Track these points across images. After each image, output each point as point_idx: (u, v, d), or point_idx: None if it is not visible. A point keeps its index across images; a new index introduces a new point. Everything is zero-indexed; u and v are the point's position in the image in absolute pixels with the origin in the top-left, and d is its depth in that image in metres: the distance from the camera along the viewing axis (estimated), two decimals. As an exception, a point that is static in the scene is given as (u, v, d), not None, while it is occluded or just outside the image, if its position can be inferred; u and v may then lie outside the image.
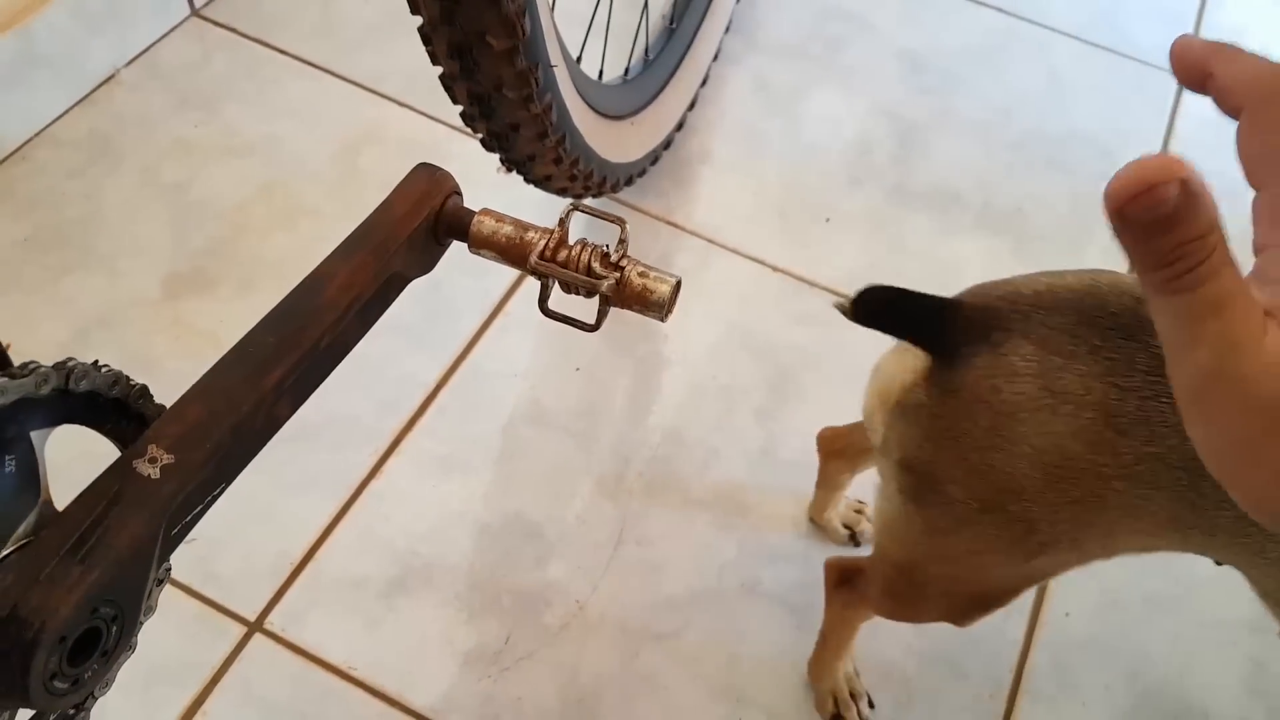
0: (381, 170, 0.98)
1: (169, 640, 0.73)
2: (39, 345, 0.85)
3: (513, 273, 0.93)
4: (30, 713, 0.36)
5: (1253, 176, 0.29)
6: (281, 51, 1.06)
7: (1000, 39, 1.17)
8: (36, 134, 0.98)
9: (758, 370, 0.91)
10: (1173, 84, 1.16)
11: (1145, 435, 0.48)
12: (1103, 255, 1.01)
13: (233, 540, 0.77)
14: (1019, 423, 0.50)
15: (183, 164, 0.97)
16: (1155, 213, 0.22)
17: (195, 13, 1.08)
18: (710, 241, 0.98)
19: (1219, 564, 0.55)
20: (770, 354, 0.92)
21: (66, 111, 0.99)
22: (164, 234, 0.93)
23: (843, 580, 0.67)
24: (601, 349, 0.91)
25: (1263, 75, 0.29)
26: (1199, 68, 0.29)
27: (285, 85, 1.04)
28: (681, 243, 0.98)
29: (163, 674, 0.72)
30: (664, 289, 0.43)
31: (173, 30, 1.07)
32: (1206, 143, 1.11)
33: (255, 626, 0.75)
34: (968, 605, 0.60)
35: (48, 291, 0.89)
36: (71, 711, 0.39)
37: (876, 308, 0.57)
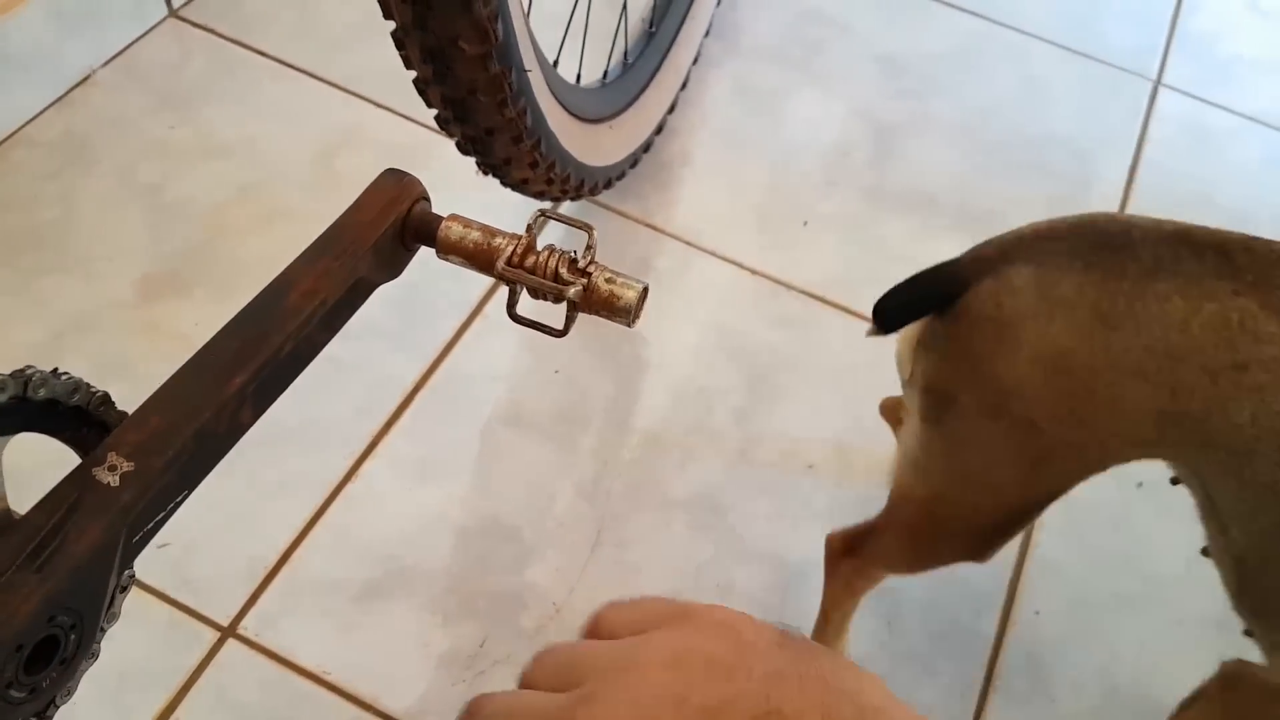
0: (360, 173, 0.96)
1: (141, 646, 0.72)
2: (12, 348, 0.85)
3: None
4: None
5: None
6: (260, 53, 1.05)
7: (977, 43, 1.18)
8: (10, 135, 0.97)
9: (736, 372, 0.91)
10: (1147, 88, 1.17)
11: (1133, 328, 0.52)
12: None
13: (206, 544, 0.77)
14: (1019, 329, 0.55)
15: (159, 166, 0.97)
16: None
17: (173, 13, 1.08)
18: (689, 244, 0.98)
19: (1175, 482, 0.60)
20: (748, 356, 0.92)
21: (41, 112, 0.98)
22: (140, 236, 0.92)
23: (848, 549, 0.69)
24: (580, 352, 0.91)
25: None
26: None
27: (263, 87, 1.03)
28: (660, 245, 0.98)
29: (135, 680, 0.71)
30: (630, 295, 0.43)
31: (150, 30, 1.06)
32: (1180, 146, 1.12)
33: (229, 631, 0.74)
34: (988, 533, 0.63)
35: (22, 293, 0.89)
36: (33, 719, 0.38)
37: (898, 312, 0.62)
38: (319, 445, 0.82)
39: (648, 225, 0.99)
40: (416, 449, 0.84)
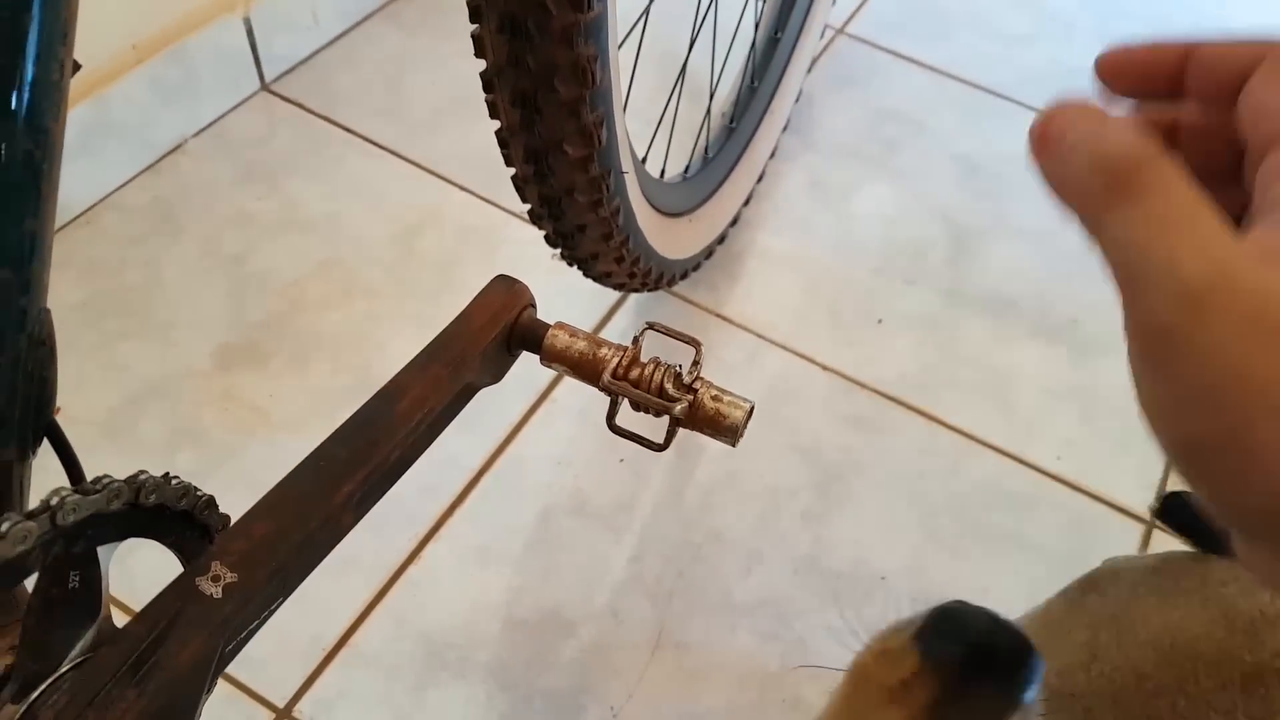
0: (439, 252, 0.99)
1: (196, 725, 0.71)
2: (89, 409, 0.86)
3: (561, 360, 0.93)
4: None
5: (1263, 132, 0.24)
6: (346, 129, 1.08)
7: (1056, 146, 1.17)
8: (103, 199, 1.00)
9: (804, 471, 0.89)
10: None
11: None
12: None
13: (268, 621, 0.76)
14: None
15: (243, 236, 0.98)
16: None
17: (265, 87, 1.11)
18: (759, 336, 0.98)
19: None
20: (817, 455, 0.90)
21: (132, 179, 1.01)
22: (220, 305, 0.93)
23: None
24: (647, 442, 0.90)
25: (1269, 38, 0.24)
26: (1158, 58, 0.25)
27: (348, 163, 1.05)
28: (730, 336, 0.97)
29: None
30: (737, 415, 0.43)
31: (242, 103, 1.09)
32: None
33: (284, 714, 0.73)
34: None
35: (102, 356, 0.90)
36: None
37: (1180, 514, 0.56)
38: (383, 525, 0.82)
39: (718, 315, 0.99)
40: (479, 534, 0.83)
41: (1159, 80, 0.26)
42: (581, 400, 0.91)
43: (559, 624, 0.79)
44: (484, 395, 0.95)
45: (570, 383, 0.92)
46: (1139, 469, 0.92)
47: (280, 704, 0.73)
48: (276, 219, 1.00)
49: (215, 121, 1.07)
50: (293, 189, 1.03)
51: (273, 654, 0.75)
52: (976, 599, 0.89)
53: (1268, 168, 0.23)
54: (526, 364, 0.95)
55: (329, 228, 1.00)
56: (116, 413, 0.86)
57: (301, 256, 0.97)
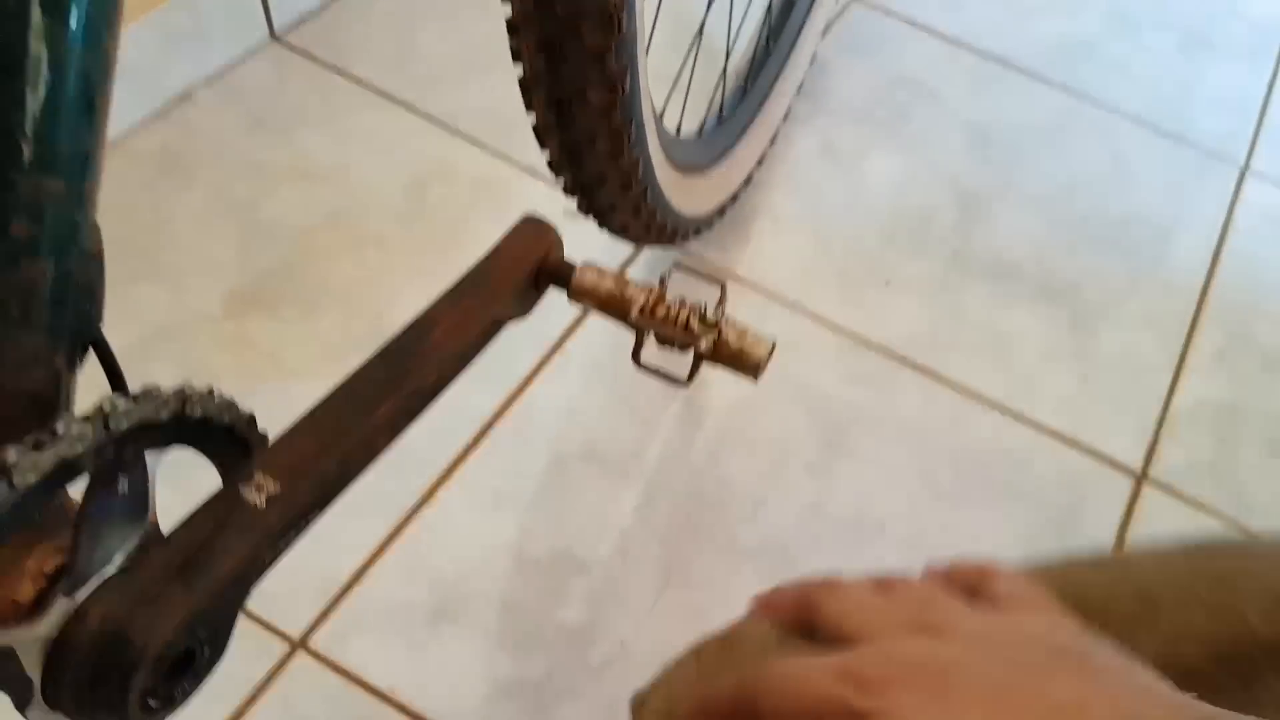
0: (450, 206, 1.00)
1: (212, 657, 0.73)
2: (104, 352, 0.87)
3: (572, 312, 0.94)
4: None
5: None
6: (357, 81, 1.08)
7: (1064, 118, 1.18)
8: (111, 145, 1.00)
9: (810, 425, 0.91)
10: (1234, 175, 1.16)
11: None
12: (1156, 333, 1.01)
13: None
14: None
15: (252, 185, 0.99)
16: None
17: (275, 37, 1.11)
18: (769, 295, 0.99)
19: None
20: (823, 409, 0.92)
21: (140, 124, 1.01)
22: (230, 252, 0.94)
23: None
24: (657, 393, 0.91)
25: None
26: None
27: (359, 115, 1.06)
28: (741, 295, 0.98)
29: (204, 687, 0.72)
30: (760, 351, 0.44)
31: (251, 53, 1.09)
32: (1265, 235, 1.11)
33: (299, 645, 0.75)
34: None
35: (112, 300, 0.90)
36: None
37: None
38: (397, 468, 0.82)
39: (729, 273, 1.00)
40: (492, 479, 0.84)
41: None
42: (593, 352, 0.92)
43: (570, 563, 0.81)
44: (497, 345, 0.97)
45: (582, 335, 0.94)
46: (1133, 427, 0.94)
47: (296, 636, 0.75)
48: (286, 169, 1.01)
49: (224, 71, 1.07)
50: (302, 140, 1.03)
51: (289, 589, 0.77)
52: (970, 547, 0.92)
53: None
54: (538, 316, 0.96)
55: (339, 179, 1.00)
56: (127, 356, 0.86)
57: (312, 206, 0.98)
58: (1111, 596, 0.37)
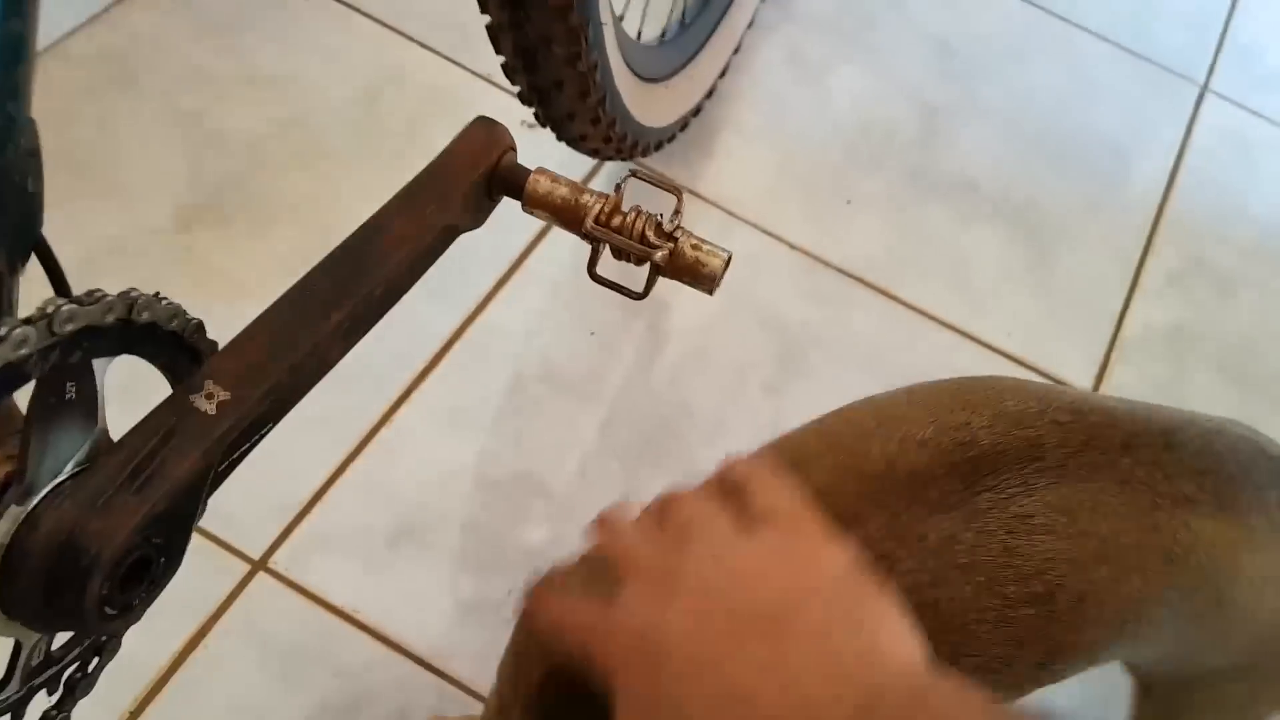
0: (402, 113, 0.97)
1: (172, 572, 0.73)
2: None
3: (531, 230, 0.93)
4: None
5: None
6: (307, -15, 1.04)
7: (1028, 31, 1.17)
8: (47, 48, 0.95)
9: (767, 344, 0.91)
10: (1193, 92, 1.16)
11: None
12: (1111, 254, 1.02)
13: (241, 478, 0.77)
14: None
15: (199, 93, 0.95)
16: None
17: (219, -63, 1.06)
18: (730, 213, 0.98)
19: None
20: (781, 330, 0.92)
21: (81, 26, 0.96)
22: (179, 163, 0.91)
23: None
24: (615, 313, 0.91)
25: None
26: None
27: (308, 19, 1.02)
28: (701, 212, 0.98)
29: (165, 607, 0.71)
30: (716, 263, 0.44)
31: (195, -47, 1.04)
32: (1223, 156, 1.12)
33: (259, 565, 0.75)
34: None
35: (56, 215, 0.87)
36: (103, 640, 0.39)
37: None
38: (355, 389, 0.82)
39: (689, 191, 0.99)
40: (450, 399, 0.84)
41: None
42: (552, 271, 0.92)
43: (529, 484, 0.81)
44: (455, 263, 0.95)
45: (540, 254, 0.93)
46: (1086, 349, 0.96)
47: (256, 556, 0.75)
48: (234, 76, 0.97)
49: (168, -29, 1.02)
50: (249, 45, 0.99)
51: (248, 510, 0.77)
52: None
53: None
54: (497, 234, 0.95)
55: (289, 86, 0.97)
56: (73, 273, 0.84)
57: (261, 115, 0.95)
58: (854, 417, 0.44)
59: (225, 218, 0.89)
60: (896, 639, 0.31)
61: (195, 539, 0.75)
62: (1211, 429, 0.44)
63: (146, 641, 0.71)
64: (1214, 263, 1.04)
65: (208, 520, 0.75)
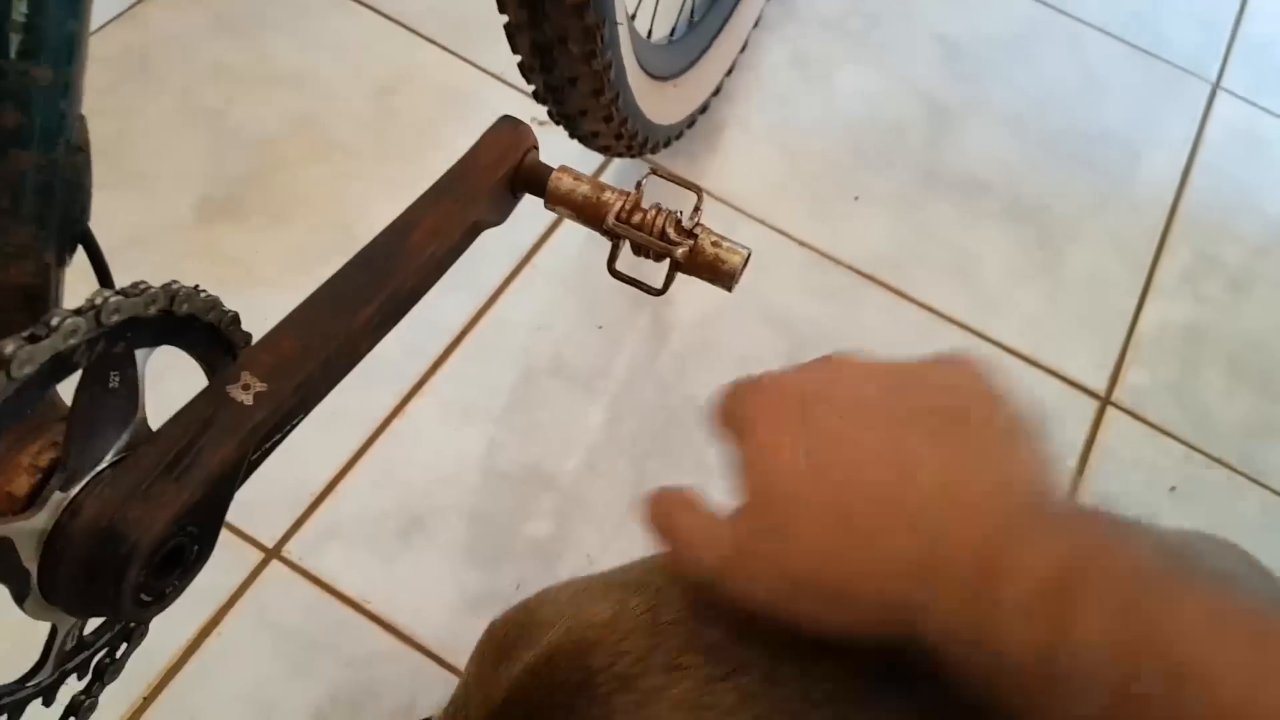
0: (416, 111, 0.98)
1: (190, 561, 0.74)
2: (67, 259, 0.85)
3: (542, 225, 0.94)
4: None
5: None
6: (322, -19, 1.05)
7: (1037, 30, 1.17)
8: (69, 44, 0.96)
9: (776, 341, 0.92)
10: (1205, 90, 1.17)
11: None
12: (1123, 253, 1.02)
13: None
14: None
15: (219, 89, 0.96)
16: None
17: (235, -66, 1.07)
18: (737, 210, 0.99)
19: None
20: (789, 326, 0.93)
21: (102, 27, 0.97)
22: (199, 158, 0.92)
23: None
24: (624, 308, 0.92)
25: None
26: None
27: (325, 17, 1.03)
28: (708, 208, 0.98)
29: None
30: (736, 260, 0.45)
31: (211, -50, 1.05)
32: (1234, 154, 1.13)
33: (273, 553, 0.76)
34: None
35: (76, 206, 0.89)
36: (133, 626, 0.40)
37: None
38: (368, 380, 0.82)
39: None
40: (461, 392, 0.85)
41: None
42: (562, 265, 0.93)
43: (539, 477, 0.82)
44: (466, 258, 0.97)
45: (551, 248, 0.94)
46: (1098, 349, 0.96)
47: (270, 545, 0.76)
48: (253, 72, 0.98)
49: (184, -32, 1.03)
50: (268, 42, 1.00)
51: (262, 498, 0.77)
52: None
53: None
54: (508, 228, 0.96)
55: (305, 83, 0.98)
56: (95, 263, 0.86)
57: (279, 112, 0.96)
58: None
59: (244, 211, 0.90)
60: (1048, 464, 0.32)
61: (213, 528, 0.76)
62: None
63: (162, 627, 0.72)
64: (1227, 261, 1.05)
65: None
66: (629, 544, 0.80)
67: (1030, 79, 1.13)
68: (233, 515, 0.76)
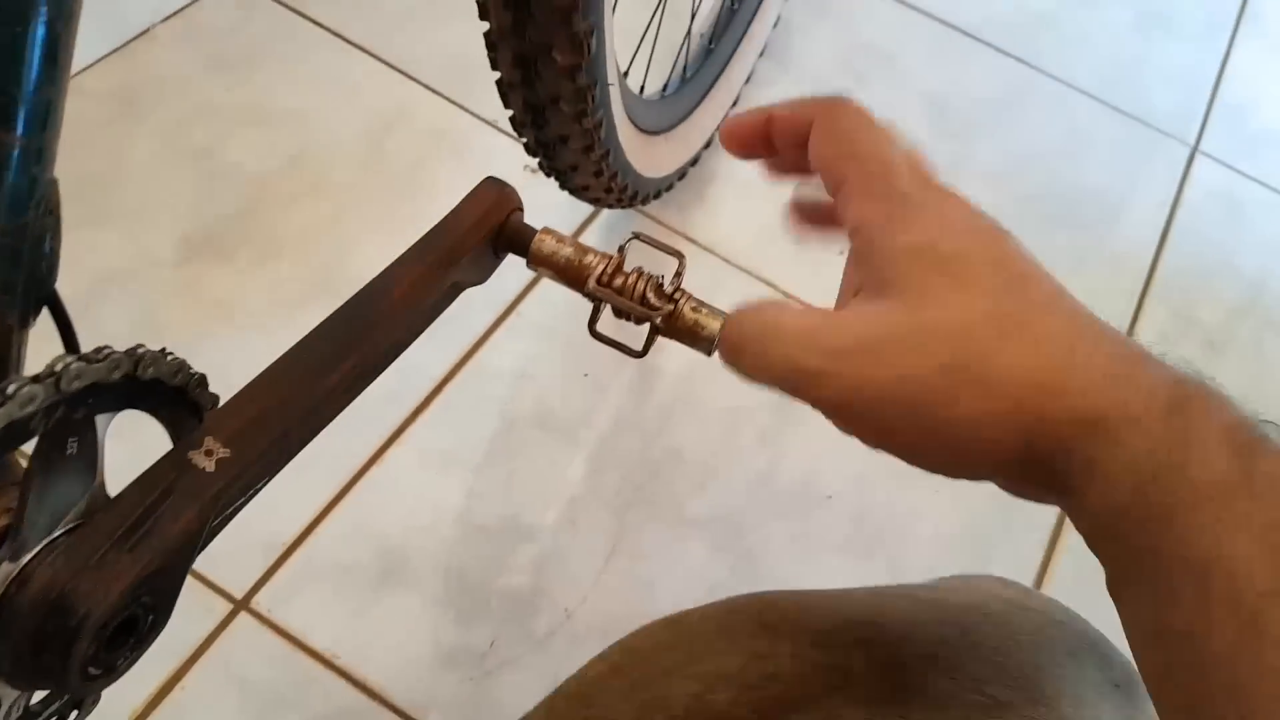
0: (408, 155, 0.98)
1: (155, 610, 0.72)
2: (44, 297, 0.84)
3: (527, 274, 0.93)
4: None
5: (832, 175, 0.36)
6: (318, 24, 1.05)
7: (1021, 90, 1.19)
8: (61, 80, 0.96)
9: (763, 395, 0.91)
10: (1184, 153, 1.18)
11: None
12: (1102, 312, 1.03)
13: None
14: None
15: (210, 128, 0.96)
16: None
17: (232, -25, 1.07)
18: (725, 260, 0.99)
19: None
20: (775, 380, 0.92)
21: (98, 61, 0.97)
22: (185, 196, 0.92)
23: None
24: (610, 358, 0.90)
25: (819, 98, 0.36)
26: (754, 123, 0.37)
27: (319, 58, 1.03)
28: (696, 259, 0.99)
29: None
30: (714, 325, 0.44)
31: (209, -10, 1.05)
32: (1212, 215, 1.14)
33: (241, 605, 0.74)
34: None
35: (63, 243, 0.88)
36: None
37: None
38: (345, 427, 0.81)
39: (686, 237, 1.00)
40: (441, 441, 0.84)
41: (760, 143, 0.38)
42: (547, 315, 0.92)
43: (518, 530, 0.81)
44: (451, 306, 0.96)
45: (536, 297, 0.93)
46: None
47: (239, 596, 0.75)
48: (245, 112, 0.98)
49: (184, 9, 1.03)
50: (262, 82, 1.00)
51: (232, 547, 0.75)
52: (915, 524, 0.94)
53: (840, 207, 0.36)
54: (494, 276, 0.95)
55: (298, 124, 0.98)
56: (76, 301, 0.83)
57: (269, 151, 0.96)
58: (657, 645, 0.40)
59: (228, 250, 0.89)
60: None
61: (180, 577, 0.74)
62: (999, 611, 0.41)
63: (124, 681, 0.70)
64: (1204, 321, 1.05)
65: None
66: (608, 599, 0.79)
67: (1013, 137, 1.14)
68: (201, 564, 0.75)
